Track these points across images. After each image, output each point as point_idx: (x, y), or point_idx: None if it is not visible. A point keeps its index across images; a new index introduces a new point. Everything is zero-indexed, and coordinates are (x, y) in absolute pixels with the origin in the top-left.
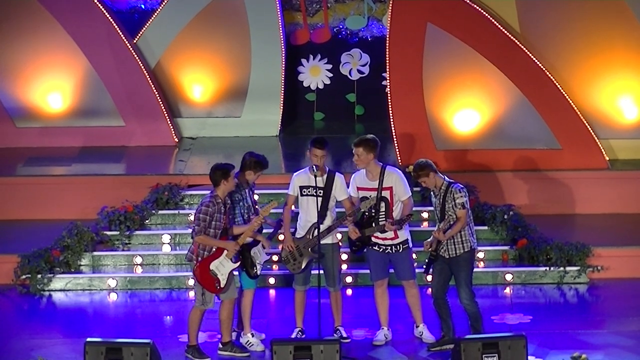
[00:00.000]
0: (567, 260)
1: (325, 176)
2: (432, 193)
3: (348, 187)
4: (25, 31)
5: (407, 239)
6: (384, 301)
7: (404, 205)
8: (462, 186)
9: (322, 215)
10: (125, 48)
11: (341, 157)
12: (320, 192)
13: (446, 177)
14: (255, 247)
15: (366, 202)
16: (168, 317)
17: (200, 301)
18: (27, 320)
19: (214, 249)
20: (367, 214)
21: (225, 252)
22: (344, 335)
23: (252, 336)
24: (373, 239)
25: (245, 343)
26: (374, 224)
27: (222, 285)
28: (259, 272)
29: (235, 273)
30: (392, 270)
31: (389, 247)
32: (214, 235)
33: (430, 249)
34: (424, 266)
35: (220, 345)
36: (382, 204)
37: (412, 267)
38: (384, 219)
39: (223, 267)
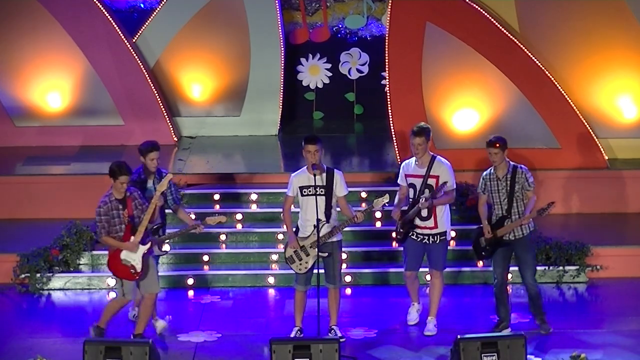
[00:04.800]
0: (566, 259)
1: (324, 174)
2: (489, 179)
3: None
4: (25, 30)
5: (446, 231)
6: (414, 283)
7: (447, 195)
8: (526, 167)
9: (327, 214)
10: (125, 47)
11: (340, 156)
12: (322, 191)
13: (510, 161)
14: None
15: (379, 199)
16: (167, 316)
17: (120, 292)
18: (26, 320)
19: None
20: (411, 201)
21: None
22: (339, 334)
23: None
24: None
25: (132, 317)
26: (424, 212)
27: (138, 270)
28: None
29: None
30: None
31: (427, 237)
32: (116, 232)
33: (490, 236)
34: (483, 252)
35: (132, 337)
36: (427, 191)
37: (445, 259)
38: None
39: (134, 253)
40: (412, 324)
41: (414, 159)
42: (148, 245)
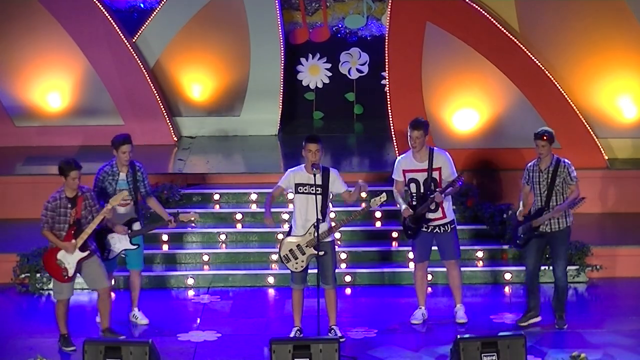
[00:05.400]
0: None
1: (321, 174)
2: (532, 171)
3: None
4: (25, 30)
5: (454, 219)
6: (423, 283)
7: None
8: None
9: (323, 213)
10: (125, 47)
11: (340, 156)
12: (319, 190)
13: (554, 154)
14: (117, 234)
15: (376, 199)
16: (167, 315)
17: (55, 292)
18: (26, 319)
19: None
20: (415, 196)
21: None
22: (339, 334)
23: (138, 311)
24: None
25: (132, 316)
26: (429, 200)
27: (69, 275)
28: (110, 257)
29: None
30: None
31: (437, 228)
32: (58, 229)
33: (521, 219)
34: (518, 241)
35: (101, 333)
36: (432, 185)
37: (457, 247)
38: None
39: (70, 256)
40: (415, 323)
41: (410, 153)
42: (86, 254)
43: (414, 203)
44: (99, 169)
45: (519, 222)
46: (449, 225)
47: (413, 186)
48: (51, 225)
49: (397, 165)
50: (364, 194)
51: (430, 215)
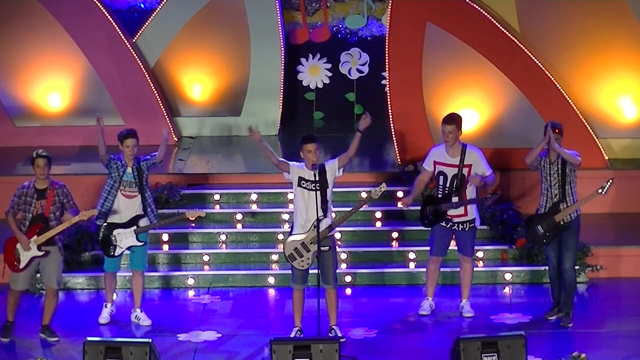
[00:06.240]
0: None
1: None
2: (544, 162)
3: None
4: (25, 30)
5: (475, 219)
6: (434, 277)
7: (487, 179)
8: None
9: (323, 209)
10: (125, 47)
11: None
12: (319, 187)
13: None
14: (123, 230)
15: (376, 189)
16: (167, 315)
17: (11, 281)
18: (26, 320)
19: (27, 229)
20: (441, 190)
21: (31, 241)
22: (339, 334)
23: (141, 312)
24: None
25: (134, 317)
26: (455, 199)
27: (20, 267)
28: (116, 254)
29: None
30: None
31: (457, 224)
32: (22, 218)
33: (561, 219)
34: (545, 240)
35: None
36: (459, 181)
37: (473, 246)
38: (457, 196)
39: (25, 251)
40: (423, 314)
41: (443, 146)
42: (41, 254)
43: (439, 196)
44: (116, 155)
45: (534, 221)
46: (468, 223)
47: (441, 179)
48: (16, 211)
49: (429, 155)
50: (364, 194)
51: (451, 212)
